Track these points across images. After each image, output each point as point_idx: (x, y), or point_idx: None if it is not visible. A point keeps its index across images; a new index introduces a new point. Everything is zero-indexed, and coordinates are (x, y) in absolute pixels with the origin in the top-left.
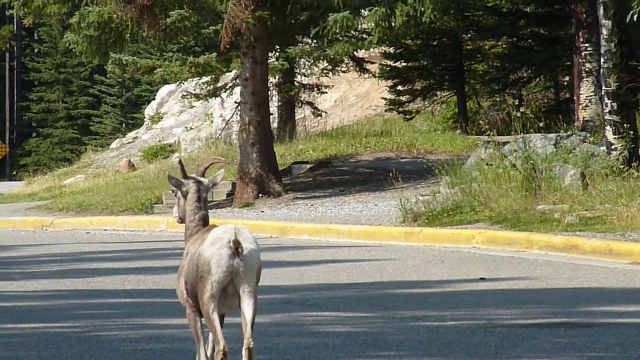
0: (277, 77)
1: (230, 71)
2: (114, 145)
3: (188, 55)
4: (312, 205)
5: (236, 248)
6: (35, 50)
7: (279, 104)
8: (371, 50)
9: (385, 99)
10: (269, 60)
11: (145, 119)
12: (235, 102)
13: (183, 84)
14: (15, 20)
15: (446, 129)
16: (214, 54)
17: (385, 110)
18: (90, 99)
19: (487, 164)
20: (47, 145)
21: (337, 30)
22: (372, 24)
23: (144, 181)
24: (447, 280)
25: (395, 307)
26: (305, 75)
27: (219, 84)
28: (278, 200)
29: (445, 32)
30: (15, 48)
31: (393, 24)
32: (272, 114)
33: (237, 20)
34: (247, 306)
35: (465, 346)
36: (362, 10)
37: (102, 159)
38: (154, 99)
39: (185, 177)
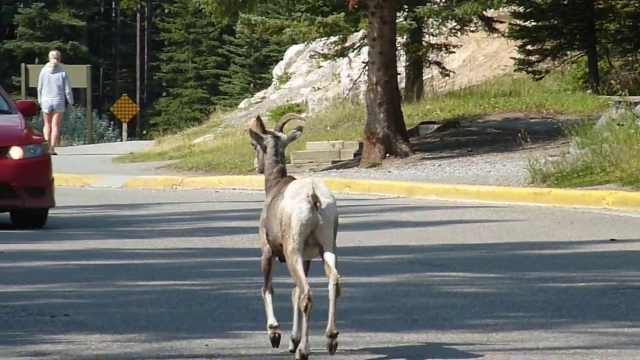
0: (404, 37)
1: (358, 31)
2: (242, 105)
3: (316, 15)
4: (440, 165)
5: (314, 202)
6: (166, 11)
7: (407, 63)
8: (500, 9)
9: (514, 58)
10: (397, 20)
11: (273, 79)
12: (363, 62)
13: (311, 43)
14: None
15: (576, 89)
16: (342, 13)
17: (514, 70)
18: (219, 59)
19: (618, 124)
20: (176, 105)
21: None
22: None
23: None
24: (576, 242)
25: (523, 268)
26: (433, 35)
27: (347, 44)
28: (405, 161)
29: None
30: (145, 8)
31: None
32: (399, 74)
33: None
34: (328, 254)
35: (596, 307)
36: None
37: (230, 119)
38: (282, 59)
39: (265, 132)
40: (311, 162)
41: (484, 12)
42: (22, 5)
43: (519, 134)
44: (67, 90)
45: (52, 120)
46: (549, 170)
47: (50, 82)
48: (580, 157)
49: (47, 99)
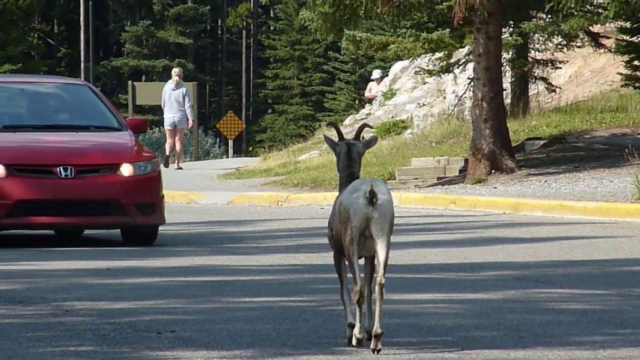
0: (510, 53)
1: (464, 47)
2: (347, 121)
3: (421, 31)
4: (546, 181)
5: (372, 198)
6: (271, 28)
7: (512, 79)
8: (607, 24)
9: (621, 74)
10: (502, 36)
11: (378, 96)
12: (468, 78)
13: (416, 60)
14: None
15: None
16: (447, 29)
17: (621, 86)
18: (324, 76)
19: None
20: (282, 122)
21: (572, 5)
22: None
23: (377, 157)
24: None
25: (631, 285)
26: (539, 51)
27: (452, 60)
28: (511, 177)
29: None
30: (252, 26)
31: None
32: (505, 90)
33: None
34: (380, 249)
35: None
36: None
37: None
38: (387, 75)
39: (342, 139)
40: (416, 178)
41: (590, 28)
42: (129, 23)
43: (626, 150)
44: (187, 106)
45: (175, 136)
46: None
47: (171, 98)
48: None
49: (169, 115)
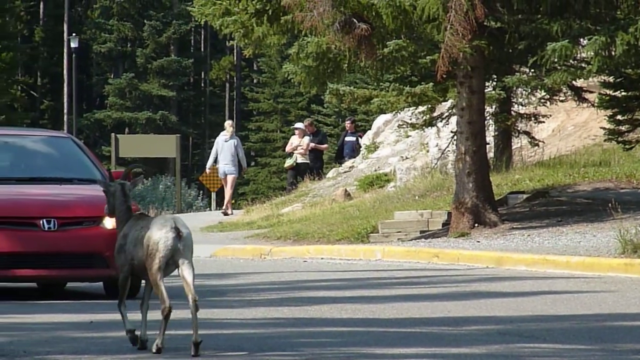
0: (493, 107)
1: (447, 100)
2: (330, 174)
3: (404, 85)
4: (529, 235)
5: (177, 232)
6: (255, 81)
7: (495, 133)
8: (590, 79)
9: (604, 128)
10: (485, 90)
11: (361, 149)
12: (452, 132)
13: (399, 113)
14: (235, 51)
15: None
16: (431, 83)
17: (604, 140)
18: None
19: None
20: (264, 174)
21: (556, 60)
22: (592, 53)
23: (360, 210)
24: None
25: (615, 340)
26: (522, 105)
27: (435, 114)
28: (494, 230)
29: None
30: (235, 78)
31: (613, 53)
32: (488, 144)
33: (454, 49)
34: (187, 272)
35: None
36: (582, 39)
37: (318, 188)
38: (369, 129)
39: (112, 180)
40: (399, 231)
41: (574, 82)
42: (112, 76)
43: (610, 204)
44: (241, 155)
45: (227, 184)
46: None
47: (224, 149)
48: None
49: (222, 164)
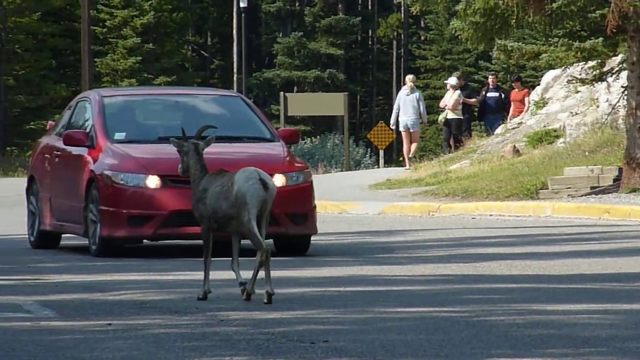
0: None
1: (617, 55)
2: (499, 130)
3: (574, 40)
4: None
5: (264, 184)
6: (422, 38)
7: None
8: None
9: None
10: None
11: (529, 104)
12: (622, 87)
13: (568, 68)
14: (402, 8)
15: None
16: (600, 38)
17: None
18: (474, 85)
19: None
20: (432, 131)
21: None
22: None
23: (529, 166)
24: None
25: None
26: None
27: (605, 68)
28: None
29: None
30: (402, 36)
31: None
32: None
33: (624, 3)
34: (264, 223)
35: None
36: None
37: (486, 145)
38: (538, 84)
39: (185, 140)
40: (569, 187)
41: None
42: (281, 35)
43: None
44: (422, 110)
45: (410, 137)
46: None
47: (406, 103)
48: None
49: (403, 118)
